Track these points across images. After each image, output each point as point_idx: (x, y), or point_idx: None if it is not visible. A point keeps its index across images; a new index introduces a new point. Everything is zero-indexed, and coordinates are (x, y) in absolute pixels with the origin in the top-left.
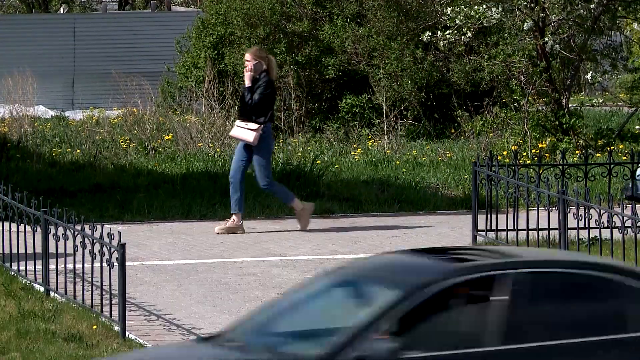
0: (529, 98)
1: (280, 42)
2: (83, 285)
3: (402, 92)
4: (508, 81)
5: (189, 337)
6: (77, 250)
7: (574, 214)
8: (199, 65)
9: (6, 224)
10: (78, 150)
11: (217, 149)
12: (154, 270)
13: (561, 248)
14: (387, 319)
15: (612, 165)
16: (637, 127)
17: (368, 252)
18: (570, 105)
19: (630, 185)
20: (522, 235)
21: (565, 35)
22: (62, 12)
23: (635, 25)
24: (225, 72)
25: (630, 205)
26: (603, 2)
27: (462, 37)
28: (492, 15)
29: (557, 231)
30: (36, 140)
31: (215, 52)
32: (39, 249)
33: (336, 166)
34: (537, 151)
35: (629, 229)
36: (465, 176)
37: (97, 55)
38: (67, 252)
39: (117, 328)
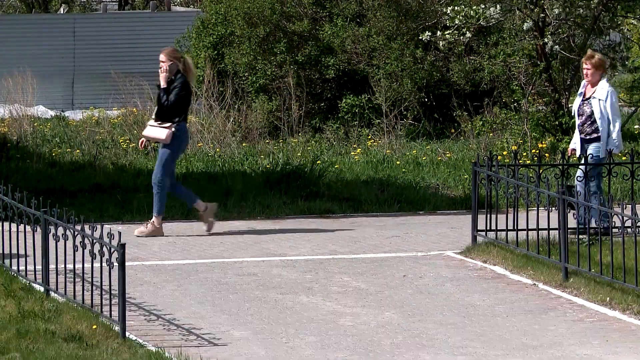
0: (529, 98)
1: (280, 42)
2: (83, 285)
3: (402, 92)
4: (508, 81)
5: (188, 337)
6: (77, 250)
7: (574, 214)
8: (199, 65)
9: (6, 224)
10: (78, 150)
11: (217, 149)
12: (154, 270)
13: (561, 248)
14: None
15: (612, 166)
16: (636, 127)
17: (368, 252)
18: (570, 105)
19: None
20: (522, 235)
21: (565, 35)
22: (62, 12)
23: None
24: (225, 72)
25: (630, 205)
26: (603, 1)
27: (462, 37)
28: (492, 15)
29: (557, 231)
30: (36, 140)
31: (215, 52)
32: (39, 249)
33: (336, 166)
34: (537, 151)
35: (629, 229)
36: (465, 176)
37: (97, 55)
38: (67, 252)
39: (117, 328)
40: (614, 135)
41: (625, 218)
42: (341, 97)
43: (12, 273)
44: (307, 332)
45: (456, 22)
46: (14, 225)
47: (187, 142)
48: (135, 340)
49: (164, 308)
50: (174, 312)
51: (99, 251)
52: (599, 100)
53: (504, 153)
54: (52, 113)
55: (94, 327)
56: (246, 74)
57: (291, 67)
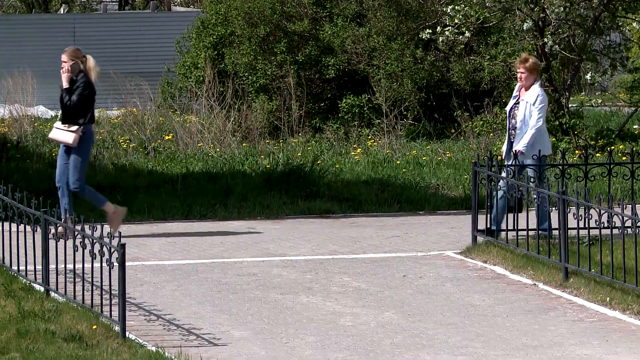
0: None
1: (280, 42)
2: (83, 286)
3: (402, 92)
4: (508, 81)
5: (188, 337)
6: (77, 250)
7: (574, 214)
8: (199, 65)
9: (6, 224)
10: None
11: (217, 149)
12: (154, 271)
13: (561, 248)
14: None
15: (612, 166)
16: (636, 127)
17: (368, 252)
18: (570, 105)
19: None
20: (522, 235)
21: (565, 35)
22: (62, 12)
23: (634, 24)
24: (225, 72)
25: (630, 205)
26: (603, 1)
27: (461, 36)
28: (491, 15)
29: (557, 231)
30: (36, 140)
31: (215, 52)
32: (39, 249)
33: (336, 166)
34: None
35: (629, 229)
36: (465, 176)
37: (97, 55)
38: (67, 252)
39: (117, 328)
40: (527, 138)
41: (625, 218)
42: (341, 97)
43: (12, 273)
44: (307, 332)
45: (455, 21)
46: (14, 225)
47: (94, 142)
48: (135, 340)
49: (164, 308)
50: (174, 312)
51: (99, 251)
52: (527, 103)
53: None
54: (52, 113)
55: (94, 327)
56: (246, 74)
57: (291, 67)
